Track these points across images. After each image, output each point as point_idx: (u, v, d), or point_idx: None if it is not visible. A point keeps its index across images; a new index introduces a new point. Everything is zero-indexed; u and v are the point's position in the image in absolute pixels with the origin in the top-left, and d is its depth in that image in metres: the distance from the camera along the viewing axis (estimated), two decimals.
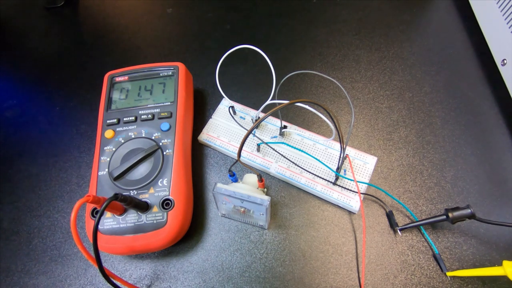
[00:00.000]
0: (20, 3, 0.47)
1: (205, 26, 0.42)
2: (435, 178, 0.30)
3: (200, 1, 0.45)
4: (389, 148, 0.32)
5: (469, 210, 0.25)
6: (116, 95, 0.31)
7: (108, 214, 0.25)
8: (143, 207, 0.25)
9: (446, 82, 0.35)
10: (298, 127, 0.32)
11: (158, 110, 0.30)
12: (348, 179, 0.29)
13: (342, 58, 0.38)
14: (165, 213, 0.25)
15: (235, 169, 0.32)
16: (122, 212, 0.25)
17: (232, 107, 0.33)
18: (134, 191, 0.26)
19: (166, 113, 0.30)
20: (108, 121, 0.30)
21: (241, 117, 0.34)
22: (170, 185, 0.26)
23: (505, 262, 0.22)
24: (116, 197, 0.22)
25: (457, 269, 0.26)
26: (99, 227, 0.25)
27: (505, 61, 0.32)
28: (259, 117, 0.29)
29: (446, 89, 0.35)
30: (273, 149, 0.31)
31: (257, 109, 0.33)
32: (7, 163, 0.34)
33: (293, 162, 0.30)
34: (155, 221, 0.25)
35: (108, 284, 0.22)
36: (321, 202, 0.29)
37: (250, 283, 0.26)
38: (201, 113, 0.35)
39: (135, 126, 0.29)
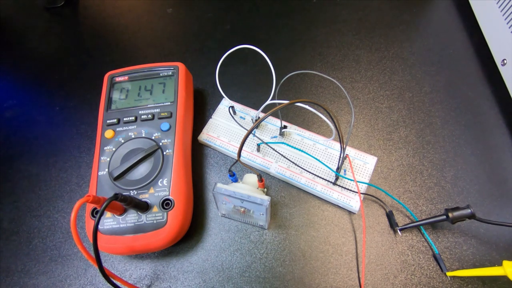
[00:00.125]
0: (20, 3, 0.47)
1: (205, 26, 0.42)
2: (435, 178, 0.30)
3: (200, 1, 0.45)
4: (389, 148, 0.32)
5: (469, 210, 0.25)
6: (116, 95, 0.31)
7: (108, 214, 0.25)
8: (143, 207, 0.25)
9: (446, 82, 0.35)
10: (298, 127, 0.32)
11: (158, 110, 0.30)
12: (348, 179, 0.29)
13: (342, 58, 0.38)
14: (165, 213, 0.25)
15: (235, 169, 0.32)
16: (122, 212, 0.25)
17: (232, 107, 0.33)
18: (134, 191, 0.26)
19: (166, 113, 0.30)
20: (108, 121, 0.30)
21: (241, 117, 0.34)
22: (170, 185, 0.26)
23: (505, 262, 0.22)
24: (116, 197, 0.22)
25: (457, 269, 0.26)
26: (99, 227, 0.25)
27: (505, 61, 0.32)
28: (259, 117, 0.29)
29: (446, 89, 0.35)
30: (273, 149, 0.31)
31: (257, 109, 0.33)
32: (7, 163, 0.34)
33: (293, 162, 0.30)
34: (155, 221, 0.25)
35: (108, 284, 0.22)
36: (321, 202, 0.29)
37: (250, 283, 0.26)
38: (201, 113, 0.35)
39: (135, 126, 0.29)
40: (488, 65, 0.35)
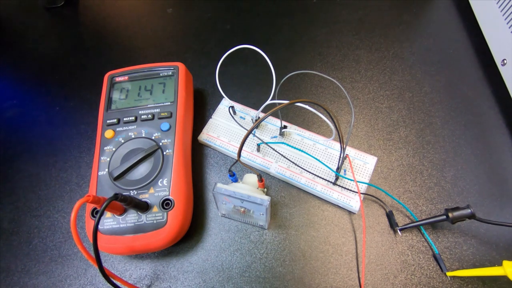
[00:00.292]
0: (20, 3, 0.47)
1: (205, 26, 0.42)
2: (435, 178, 0.30)
3: (200, 1, 0.45)
4: (389, 148, 0.32)
5: (469, 210, 0.25)
6: (116, 95, 0.31)
7: (108, 214, 0.25)
8: (143, 207, 0.25)
9: (446, 82, 0.35)
10: (298, 127, 0.32)
11: (158, 110, 0.30)
12: (348, 179, 0.29)
13: (342, 58, 0.38)
14: (165, 213, 0.25)
15: (235, 169, 0.32)
16: (122, 212, 0.25)
17: (232, 107, 0.33)
18: (134, 191, 0.26)
19: (166, 113, 0.30)
20: (108, 121, 0.30)
21: (241, 117, 0.34)
22: (170, 185, 0.26)
23: (505, 262, 0.22)
24: (116, 197, 0.22)
25: (457, 269, 0.26)
26: (99, 227, 0.25)
27: (505, 61, 0.32)
28: (259, 117, 0.29)
29: (446, 89, 0.35)
30: (273, 149, 0.31)
31: (257, 109, 0.33)
32: (7, 163, 0.34)
33: (293, 162, 0.30)
34: (155, 221, 0.25)
35: (108, 284, 0.22)
36: (321, 202, 0.29)
37: (250, 283, 0.26)
38: (201, 113, 0.35)
39: (135, 126, 0.29)
40: (488, 65, 0.35)
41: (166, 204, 0.26)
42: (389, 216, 0.28)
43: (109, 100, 0.31)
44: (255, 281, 0.26)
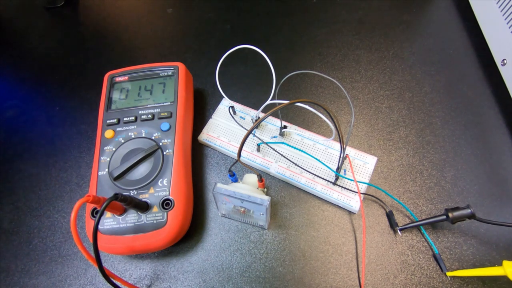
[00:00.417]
0: (20, 3, 0.47)
1: (205, 26, 0.42)
2: (435, 178, 0.30)
3: (200, 1, 0.45)
4: (389, 148, 0.32)
5: (469, 210, 0.25)
6: (116, 95, 0.31)
7: (108, 214, 0.25)
8: (143, 207, 0.25)
9: (446, 82, 0.35)
10: (298, 127, 0.32)
11: (158, 110, 0.30)
12: (348, 179, 0.29)
13: (342, 58, 0.38)
14: (165, 213, 0.25)
15: (235, 169, 0.32)
16: (122, 212, 0.25)
17: (232, 107, 0.33)
18: (134, 191, 0.26)
19: (166, 113, 0.30)
20: (108, 121, 0.30)
21: (241, 117, 0.34)
22: (170, 185, 0.26)
23: (505, 262, 0.22)
24: (116, 197, 0.22)
25: (457, 269, 0.26)
26: (99, 227, 0.25)
27: (505, 61, 0.32)
28: (259, 117, 0.29)
29: (446, 89, 0.35)
30: (273, 149, 0.31)
31: (257, 109, 0.33)
32: (7, 163, 0.34)
33: (293, 162, 0.30)
34: (155, 221, 0.25)
35: (108, 284, 0.22)
36: (321, 202, 0.29)
37: (250, 283, 0.26)
38: (201, 113, 0.35)
39: (135, 126, 0.29)
40: (488, 65, 0.35)
41: (166, 204, 0.26)
42: (389, 216, 0.28)
43: (109, 100, 0.31)
44: (255, 281, 0.26)
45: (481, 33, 0.37)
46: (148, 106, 0.30)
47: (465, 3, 0.40)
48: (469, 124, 0.33)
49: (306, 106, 0.24)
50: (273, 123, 0.33)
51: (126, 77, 0.32)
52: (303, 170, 0.30)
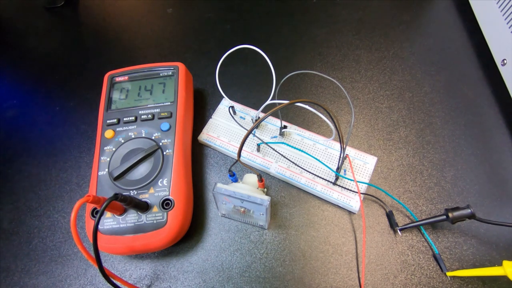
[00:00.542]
0: (20, 3, 0.47)
1: (205, 26, 0.42)
2: (435, 178, 0.30)
3: (200, 1, 0.45)
4: (389, 148, 0.32)
5: (469, 210, 0.25)
6: (116, 95, 0.31)
7: (108, 214, 0.25)
8: (143, 207, 0.25)
9: (446, 82, 0.35)
10: (298, 127, 0.32)
11: (158, 110, 0.30)
12: (348, 179, 0.29)
13: (342, 58, 0.38)
14: (165, 213, 0.25)
15: (235, 169, 0.32)
16: (122, 212, 0.25)
17: (232, 107, 0.33)
18: (134, 191, 0.26)
19: (166, 113, 0.30)
20: (108, 121, 0.30)
21: (241, 117, 0.34)
22: (170, 185, 0.26)
23: (505, 262, 0.22)
24: (116, 197, 0.22)
25: (457, 269, 0.26)
26: (99, 227, 0.25)
27: (505, 61, 0.32)
28: (259, 117, 0.29)
29: (446, 89, 0.35)
30: (273, 149, 0.31)
31: (257, 109, 0.33)
32: (7, 163, 0.34)
33: (293, 162, 0.30)
34: (155, 221, 0.25)
35: (108, 284, 0.22)
36: (321, 202, 0.29)
37: (250, 283, 0.26)
38: (201, 113, 0.35)
39: (135, 126, 0.29)
40: (488, 65, 0.35)
41: (166, 204, 0.26)
42: (389, 216, 0.28)
43: (109, 100, 0.31)
44: (255, 281, 0.26)
45: (481, 33, 0.37)
46: (148, 106, 0.30)
47: (465, 3, 0.40)
48: (469, 124, 0.33)
49: (306, 106, 0.24)
50: (273, 123, 0.33)
51: (126, 77, 0.32)
52: (303, 170, 0.30)
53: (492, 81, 0.35)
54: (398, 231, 0.27)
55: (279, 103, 0.22)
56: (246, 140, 0.23)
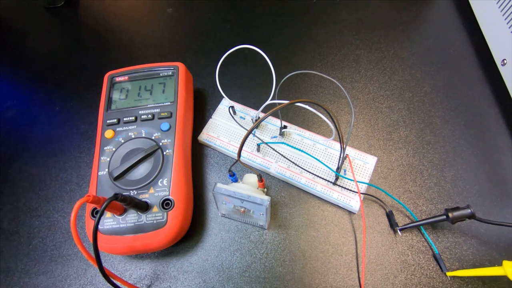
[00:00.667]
0: (20, 3, 0.47)
1: (205, 26, 0.42)
2: (435, 178, 0.30)
3: (200, 1, 0.45)
4: (389, 148, 0.32)
5: (469, 210, 0.25)
6: (116, 95, 0.31)
7: (108, 214, 0.25)
8: (143, 207, 0.25)
9: (446, 82, 0.35)
10: (298, 127, 0.32)
11: (158, 110, 0.30)
12: (348, 179, 0.29)
13: (342, 58, 0.38)
14: (165, 213, 0.25)
15: (235, 169, 0.32)
16: (122, 212, 0.25)
17: (232, 107, 0.33)
18: (134, 191, 0.26)
19: (166, 113, 0.30)
20: (108, 121, 0.30)
21: (241, 117, 0.34)
22: (170, 185, 0.26)
23: (505, 262, 0.22)
24: (116, 197, 0.22)
25: (457, 269, 0.26)
26: (99, 227, 0.25)
27: (505, 61, 0.32)
28: (259, 117, 0.29)
29: (446, 89, 0.35)
30: (273, 149, 0.31)
31: (257, 109, 0.33)
32: (7, 163, 0.34)
33: (293, 162, 0.30)
34: (155, 221, 0.25)
35: (108, 284, 0.22)
36: (321, 202, 0.29)
37: (250, 283, 0.26)
38: (201, 113, 0.35)
39: (135, 126, 0.29)
40: (488, 65, 0.35)
41: (166, 204, 0.26)
42: (389, 216, 0.28)
43: (109, 100, 0.31)
44: (255, 281, 0.26)
45: (481, 33, 0.37)
46: (148, 106, 0.30)
47: (465, 3, 0.40)
48: (469, 124, 0.33)
49: (306, 106, 0.24)
50: (273, 123, 0.33)
51: (126, 77, 0.32)
52: (303, 170, 0.30)
53: (492, 81, 0.35)
54: (398, 231, 0.27)
55: (279, 103, 0.22)
56: (246, 140, 0.23)
